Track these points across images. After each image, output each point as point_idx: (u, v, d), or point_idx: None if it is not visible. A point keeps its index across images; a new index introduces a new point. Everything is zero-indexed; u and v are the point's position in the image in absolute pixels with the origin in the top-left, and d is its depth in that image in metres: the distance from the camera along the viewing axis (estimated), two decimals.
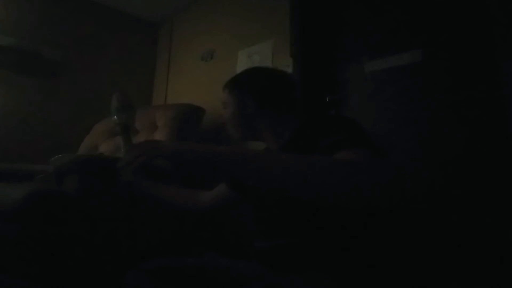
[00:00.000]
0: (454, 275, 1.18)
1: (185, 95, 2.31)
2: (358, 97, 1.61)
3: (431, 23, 1.40)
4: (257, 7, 1.98)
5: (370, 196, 0.50)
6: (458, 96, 1.30)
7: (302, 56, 1.70)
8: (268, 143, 0.92)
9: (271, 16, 1.88)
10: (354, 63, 1.61)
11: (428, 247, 1.22)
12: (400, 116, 1.45)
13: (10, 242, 1.09)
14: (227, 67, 2.08)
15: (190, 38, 2.48)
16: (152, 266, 0.84)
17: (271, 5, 1.89)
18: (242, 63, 1.96)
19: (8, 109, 2.02)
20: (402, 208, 0.55)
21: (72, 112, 2.24)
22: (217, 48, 2.21)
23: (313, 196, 0.52)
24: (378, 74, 1.53)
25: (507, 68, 1.17)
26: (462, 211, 1.23)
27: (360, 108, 1.60)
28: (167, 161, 0.62)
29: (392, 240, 0.74)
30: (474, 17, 1.30)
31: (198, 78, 2.30)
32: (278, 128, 0.88)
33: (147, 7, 2.55)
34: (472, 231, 1.19)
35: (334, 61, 1.70)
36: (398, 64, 1.46)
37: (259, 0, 1.97)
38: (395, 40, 1.49)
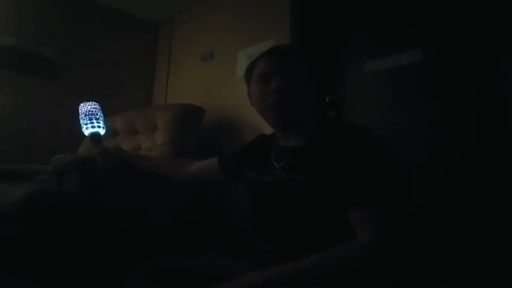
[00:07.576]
0: (453, 275, 1.18)
1: (185, 95, 2.31)
2: (358, 97, 1.61)
3: (431, 23, 1.40)
4: (257, 7, 1.98)
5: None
6: (458, 96, 1.30)
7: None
8: (296, 135, 0.86)
9: (271, 16, 1.87)
10: (354, 63, 1.61)
11: (428, 247, 1.22)
12: (400, 116, 1.45)
13: (10, 242, 1.09)
14: (227, 67, 2.07)
15: (190, 38, 2.48)
16: (152, 266, 0.83)
17: (271, 5, 1.89)
18: (242, 63, 1.96)
19: (8, 109, 2.02)
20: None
21: (72, 111, 2.24)
22: (217, 48, 2.21)
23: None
24: (378, 74, 1.53)
25: (507, 67, 1.17)
26: (463, 210, 1.23)
27: (360, 108, 1.60)
28: None
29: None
30: (474, 17, 1.29)
31: (198, 78, 2.30)
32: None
33: (147, 7, 2.55)
34: (471, 231, 1.19)
35: (334, 61, 1.70)
36: (398, 64, 1.46)
37: (259, 0, 1.97)
38: (395, 40, 1.49)
